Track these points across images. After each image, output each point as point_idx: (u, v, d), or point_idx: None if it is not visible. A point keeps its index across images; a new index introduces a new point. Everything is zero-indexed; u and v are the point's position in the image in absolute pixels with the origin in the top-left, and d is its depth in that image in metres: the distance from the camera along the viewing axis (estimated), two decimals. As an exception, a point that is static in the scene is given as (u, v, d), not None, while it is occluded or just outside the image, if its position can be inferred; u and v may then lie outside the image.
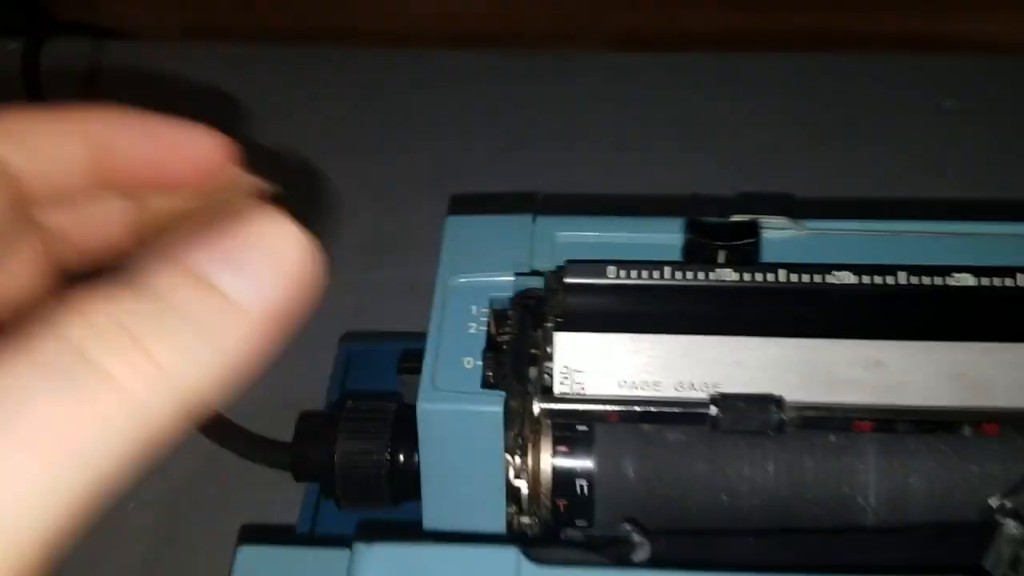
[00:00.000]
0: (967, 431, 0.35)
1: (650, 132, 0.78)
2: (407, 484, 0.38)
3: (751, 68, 0.84)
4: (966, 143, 0.75)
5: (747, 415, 0.36)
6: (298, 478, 0.40)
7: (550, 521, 0.37)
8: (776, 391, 0.36)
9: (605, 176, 0.75)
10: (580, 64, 0.86)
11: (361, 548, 0.31)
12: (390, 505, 0.38)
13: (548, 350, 0.39)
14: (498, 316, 0.40)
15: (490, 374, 0.37)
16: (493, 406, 0.35)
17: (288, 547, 0.35)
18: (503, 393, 0.36)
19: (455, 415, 0.35)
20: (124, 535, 0.54)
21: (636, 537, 0.34)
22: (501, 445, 0.36)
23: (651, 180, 0.74)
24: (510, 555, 0.31)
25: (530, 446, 0.37)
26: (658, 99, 0.81)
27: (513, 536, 0.36)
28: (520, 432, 0.37)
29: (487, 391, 0.36)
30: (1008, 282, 0.38)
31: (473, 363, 0.37)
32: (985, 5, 0.84)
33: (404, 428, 0.38)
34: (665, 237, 0.41)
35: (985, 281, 0.38)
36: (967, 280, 0.38)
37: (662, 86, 0.83)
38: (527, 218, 0.43)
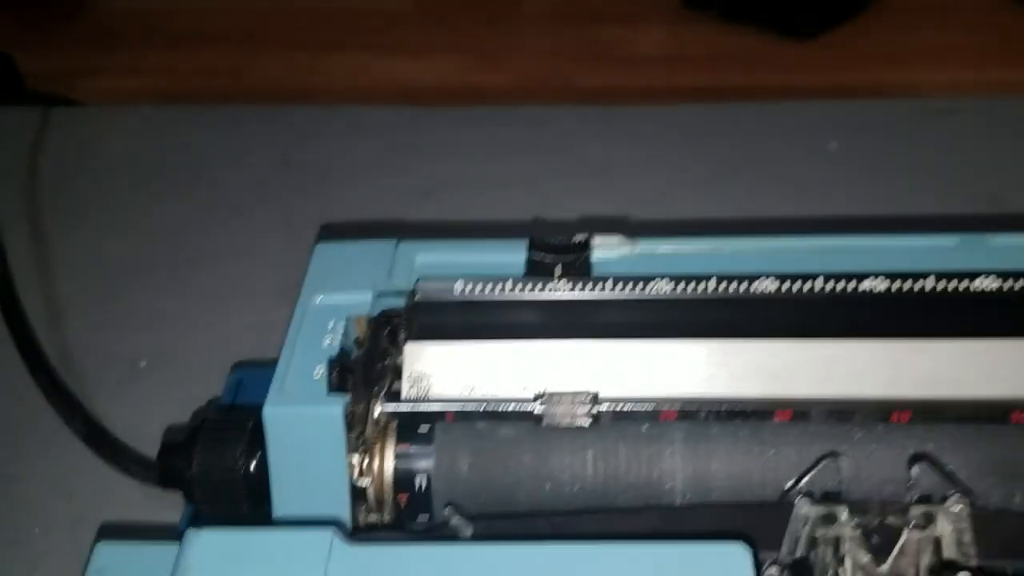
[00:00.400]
0: (766, 419, 0.39)
1: (548, 175, 0.83)
2: (264, 489, 0.41)
3: (649, 118, 0.90)
4: (849, 181, 0.80)
5: (566, 409, 0.39)
6: (164, 487, 0.43)
7: (394, 517, 0.41)
8: (594, 388, 0.40)
9: (494, 214, 0.80)
10: (488, 115, 0.92)
11: (190, 534, 0.34)
12: (250, 510, 0.41)
13: (400, 360, 0.43)
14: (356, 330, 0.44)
15: (334, 378, 0.40)
16: (333, 409, 0.39)
17: (143, 543, 0.38)
18: (346, 397, 0.39)
19: (298, 417, 0.39)
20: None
21: (455, 520, 0.37)
22: (343, 446, 0.39)
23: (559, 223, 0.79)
24: (326, 536, 0.33)
25: (376, 447, 0.41)
26: (560, 146, 0.87)
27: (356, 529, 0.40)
28: (363, 434, 0.40)
29: (331, 396, 0.39)
30: (807, 286, 0.42)
31: (322, 372, 0.41)
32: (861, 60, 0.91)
33: (263, 437, 0.42)
34: (512, 257, 0.45)
35: (786, 287, 0.42)
36: (771, 286, 0.42)
37: (567, 135, 0.89)
38: (391, 243, 0.47)
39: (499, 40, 1.04)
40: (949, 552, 0.37)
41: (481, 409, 0.40)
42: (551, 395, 0.40)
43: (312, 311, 0.43)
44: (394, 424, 0.41)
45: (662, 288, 0.42)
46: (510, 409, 0.40)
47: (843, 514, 0.36)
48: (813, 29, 1.08)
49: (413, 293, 0.44)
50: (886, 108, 0.89)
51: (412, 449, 0.40)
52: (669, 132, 0.88)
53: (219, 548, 0.34)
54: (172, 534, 0.39)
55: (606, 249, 0.45)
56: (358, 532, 0.39)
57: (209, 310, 0.74)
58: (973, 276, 0.41)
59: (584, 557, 0.33)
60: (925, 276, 0.41)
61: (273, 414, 0.39)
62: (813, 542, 0.37)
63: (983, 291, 0.41)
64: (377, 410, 0.40)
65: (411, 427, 0.41)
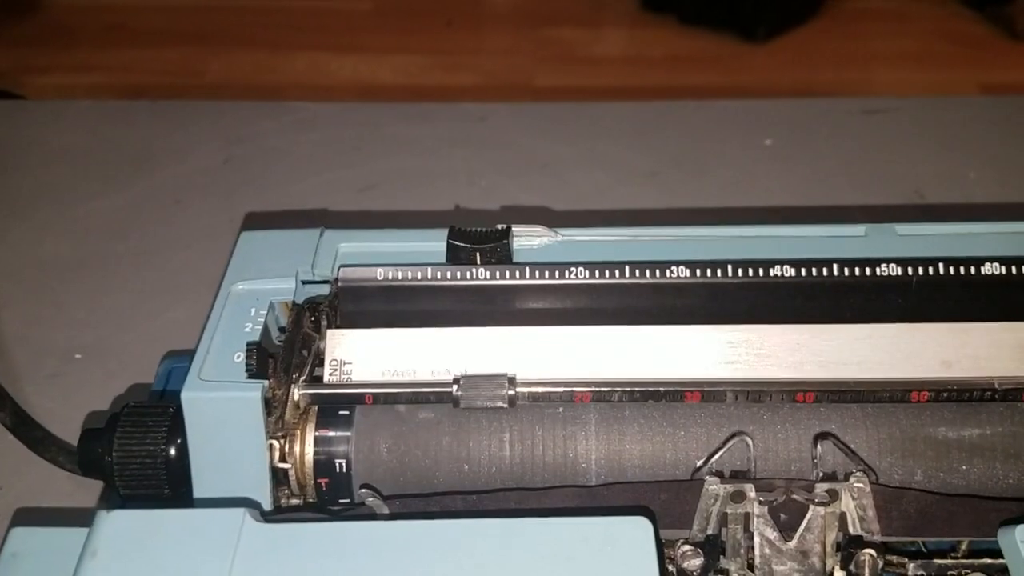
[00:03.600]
0: (677, 400, 0.40)
1: (491, 171, 0.84)
2: (185, 474, 0.41)
3: (593, 115, 0.91)
4: (782, 176, 0.82)
5: (483, 391, 0.40)
6: (85, 473, 0.43)
7: (316, 500, 0.41)
8: (511, 371, 0.41)
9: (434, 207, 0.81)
10: (435, 110, 0.92)
11: (101, 515, 0.34)
12: (172, 495, 0.41)
13: (322, 346, 0.44)
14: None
15: (253, 363, 0.40)
16: (251, 393, 0.39)
17: (58, 528, 0.37)
18: (264, 382, 0.40)
19: (216, 402, 0.39)
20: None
21: (371, 500, 0.38)
22: (263, 429, 0.40)
23: (489, 214, 0.80)
24: (237, 515, 0.34)
25: (296, 432, 0.41)
26: (505, 142, 0.87)
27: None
28: (282, 417, 0.40)
29: (248, 381, 0.40)
30: (719, 273, 0.43)
31: (243, 357, 0.41)
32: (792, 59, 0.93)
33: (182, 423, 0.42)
34: (434, 245, 0.46)
35: (699, 273, 0.43)
36: (684, 273, 0.43)
37: (514, 131, 0.90)
38: (315, 232, 0.47)
39: (459, 41, 1.05)
40: (854, 528, 0.38)
41: (400, 392, 0.41)
42: (469, 378, 0.41)
43: (234, 298, 0.44)
44: (315, 409, 0.42)
45: (579, 275, 0.44)
46: (428, 391, 0.41)
47: (751, 491, 0.38)
48: (766, 32, 1.12)
49: (336, 280, 0.45)
50: (821, 106, 0.91)
51: (332, 433, 0.41)
52: (612, 129, 0.89)
53: (129, 527, 0.34)
54: (89, 519, 0.39)
55: (526, 238, 0.46)
56: (275, 512, 0.39)
57: (147, 303, 0.74)
58: (877, 263, 0.43)
59: (491, 530, 0.34)
60: (831, 263, 0.43)
61: (191, 399, 0.39)
62: (724, 519, 0.38)
63: (887, 277, 0.43)
64: (297, 394, 0.41)
65: (331, 412, 0.41)
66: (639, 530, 0.34)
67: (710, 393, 0.40)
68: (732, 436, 0.39)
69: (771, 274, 0.42)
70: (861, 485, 0.38)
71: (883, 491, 0.38)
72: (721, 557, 0.38)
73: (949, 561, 0.39)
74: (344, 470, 0.40)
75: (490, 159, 0.85)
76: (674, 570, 0.38)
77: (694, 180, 0.81)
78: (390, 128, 0.91)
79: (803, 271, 0.42)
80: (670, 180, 0.81)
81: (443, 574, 0.32)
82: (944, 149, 0.82)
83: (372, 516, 0.38)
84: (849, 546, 0.38)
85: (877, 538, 0.38)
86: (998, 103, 0.91)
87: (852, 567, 0.38)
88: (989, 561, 0.39)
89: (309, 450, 0.41)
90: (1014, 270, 0.42)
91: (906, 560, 0.40)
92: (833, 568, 0.38)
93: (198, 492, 0.40)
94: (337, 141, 0.90)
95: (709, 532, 0.38)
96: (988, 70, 0.99)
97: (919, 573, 0.39)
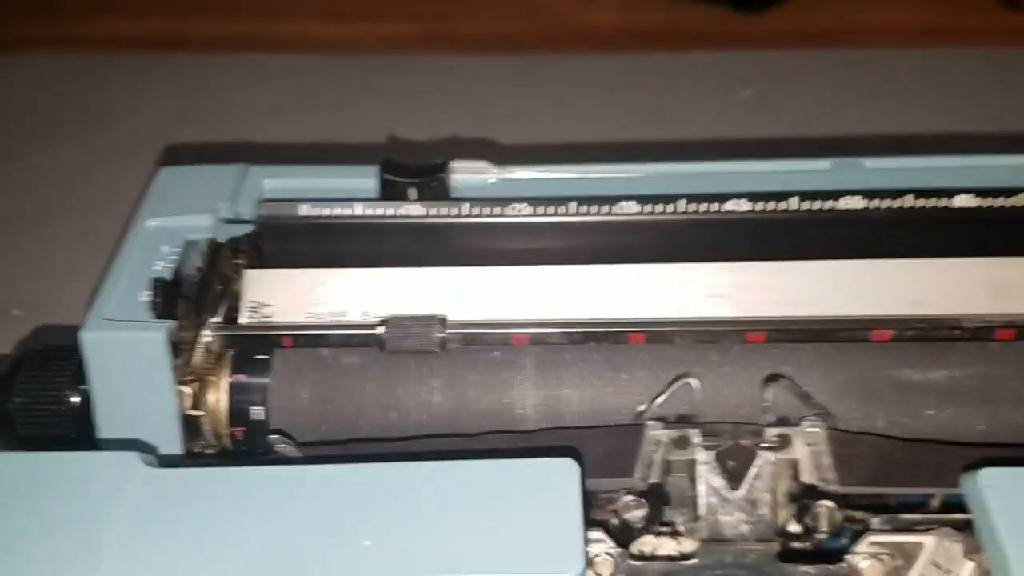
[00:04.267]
0: (619, 342, 0.37)
1: (453, 124, 0.80)
2: (92, 422, 0.38)
3: (563, 69, 0.87)
4: (760, 128, 0.78)
5: (411, 334, 0.37)
6: None
7: (231, 450, 0.38)
8: (445, 313, 0.38)
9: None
10: (396, 63, 0.88)
11: (-23, 458, 0.31)
12: (76, 443, 0.39)
13: (240, 287, 0.40)
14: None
15: (159, 302, 0.37)
16: (155, 333, 0.36)
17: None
18: (170, 322, 0.37)
19: (117, 343, 0.36)
20: None
21: (280, 447, 0.35)
22: (169, 373, 0.36)
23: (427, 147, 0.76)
24: (129, 459, 0.31)
25: (209, 377, 0.38)
26: (470, 95, 0.84)
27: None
28: (189, 361, 0.37)
29: (154, 321, 0.37)
30: (669, 208, 0.40)
31: (146, 298, 0.38)
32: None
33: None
34: (367, 182, 0.43)
35: (648, 208, 0.40)
36: (631, 208, 0.40)
37: (474, 85, 0.86)
38: (240, 167, 0.44)
39: (448, 8, 1.01)
40: (808, 477, 0.35)
41: (320, 333, 0.38)
42: (396, 319, 0.37)
43: (146, 235, 0.41)
44: (230, 353, 0.38)
45: (521, 212, 0.40)
46: (352, 333, 0.38)
47: (696, 437, 0.35)
48: (761, 1, 1.08)
49: (257, 217, 0.42)
50: (800, 58, 0.87)
51: (248, 379, 0.38)
52: (583, 82, 0.85)
53: (10, 471, 0.31)
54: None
55: (465, 173, 0.43)
56: (176, 458, 0.36)
57: (96, 259, 0.70)
58: (838, 196, 0.40)
59: (407, 475, 0.31)
60: (788, 196, 0.40)
61: (91, 339, 0.36)
62: (668, 467, 0.35)
63: (849, 211, 0.40)
64: (208, 336, 0.38)
65: (248, 356, 0.38)
66: (563, 471, 0.31)
67: (655, 334, 0.37)
68: (677, 379, 0.36)
69: (724, 209, 0.39)
70: (815, 430, 0.35)
71: (840, 437, 0.35)
72: (666, 508, 0.35)
73: (917, 516, 0.36)
74: (261, 418, 0.37)
75: (454, 111, 0.82)
76: (616, 521, 0.35)
77: (667, 133, 0.78)
78: (349, 81, 0.87)
79: (759, 205, 0.39)
80: (643, 132, 0.78)
81: (351, 523, 0.30)
82: (926, 99, 0.78)
83: (274, 460, 0.35)
84: (804, 496, 0.35)
85: (835, 488, 0.35)
86: (985, 55, 0.86)
87: (808, 520, 0.35)
88: (961, 516, 0.35)
89: (224, 397, 0.38)
90: (986, 202, 0.39)
91: (869, 515, 0.37)
92: (787, 521, 0.36)
93: (103, 439, 0.37)
94: (294, 94, 0.85)
95: (652, 481, 0.35)
96: (985, 38, 0.96)
97: (883, 527, 0.36)
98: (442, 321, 0.38)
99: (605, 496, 0.35)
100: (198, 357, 0.37)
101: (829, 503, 0.35)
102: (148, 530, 0.29)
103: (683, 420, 0.36)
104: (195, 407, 0.37)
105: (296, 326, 0.38)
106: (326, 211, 0.41)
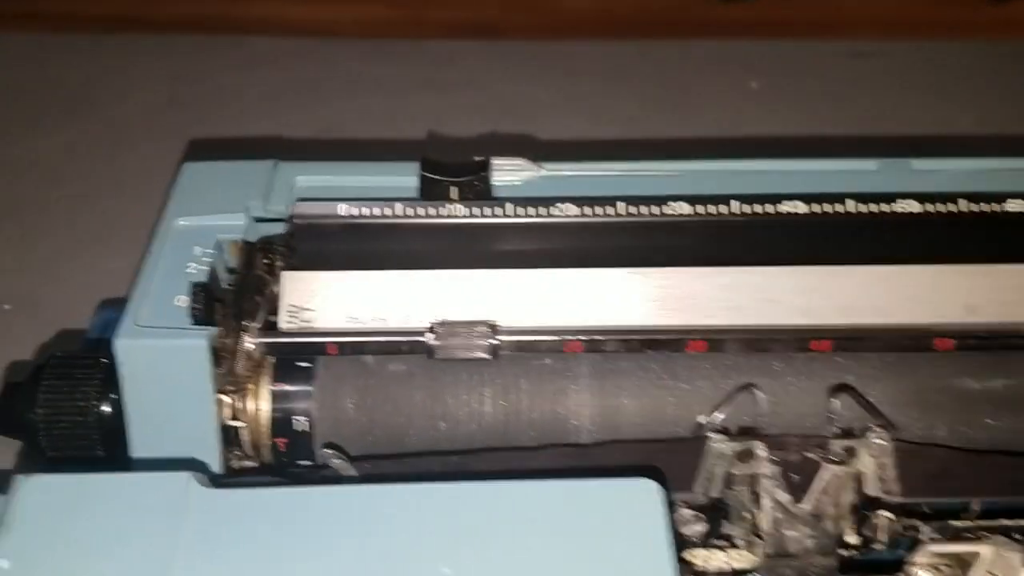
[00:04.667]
0: (679, 350, 0.36)
1: (456, 113, 0.78)
2: (121, 434, 0.36)
3: (567, 57, 0.85)
4: (768, 122, 0.77)
5: (462, 340, 0.36)
6: (5, 432, 0.37)
7: (273, 462, 0.37)
8: (493, 318, 0.37)
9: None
10: (405, 50, 0.86)
11: (19, 481, 0.29)
12: (105, 458, 0.36)
13: (277, 290, 0.38)
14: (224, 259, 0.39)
15: (198, 308, 0.35)
16: (196, 340, 0.34)
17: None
18: (212, 329, 0.35)
19: (155, 351, 0.34)
20: None
21: (335, 461, 0.33)
22: (210, 383, 0.35)
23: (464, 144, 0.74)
24: (181, 479, 0.29)
25: (250, 386, 0.36)
26: (471, 84, 0.82)
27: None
28: (232, 370, 0.36)
29: (194, 327, 0.35)
30: (722, 209, 0.39)
31: (187, 301, 0.36)
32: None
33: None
34: (404, 179, 0.41)
35: (700, 210, 0.39)
36: (684, 209, 0.39)
37: (481, 72, 0.84)
38: (269, 163, 0.42)
39: None
40: (871, 488, 0.35)
41: (368, 340, 0.36)
42: (446, 325, 0.36)
43: (176, 234, 0.38)
44: (271, 360, 0.37)
45: (567, 212, 0.39)
46: (400, 340, 0.36)
47: (760, 450, 0.34)
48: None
49: (291, 217, 0.40)
50: (806, 49, 0.86)
51: (291, 387, 0.36)
52: (588, 71, 0.84)
53: (54, 495, 0.29)
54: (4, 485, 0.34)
55: (507, 171, 0.41)
56: (226, 477, 0.35)
57: (85, 250, 0.68)
58: (893, 199, 0.39)
59: (476, 495, 0.29)
60: (844, 199, 0.39)
61: (127, 347, 0.34)
62: (729, 480, 0.34)
63: (904, 214, 0.39)
64: (250, 344, 0.36)
65: (290, 363, 0.36)
66: (645, 493, 0.30)
67: (715, 342, 0.36)
68: (740, 389, 0.35)
69: (779, 211, 0.38)
70: (881, 442, 0.34)
71: (904, 448, 0.35)
72: (724, 522, 0.34)
73: (967, 523, 0.36)
74: (305, 429, 0.36)
75: (458, 102, 0.79)
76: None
77: (677, 125, 0.76)
78: (349, 67, 0.84)
79: (814, 207, 0.38)
80: (651, 125, 0.77)
81: (425, 548, 0.28)
82: (934, 94, 0.78)
83: (337, 480, 0.33)
84: (865, 508, 0.35)
85: (896, 499, 0.35)
86: (988, 48, 0.86)
87: (867, 531, 0.34)
88: (1007, 522, 0.35)
89: (265, 406, 0.36)
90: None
91: (917, 522, 0.36)
92: (846, 532, 0.35)
93: (137, 454, 0.35)
94: (292, 79, 0.83)
95: (713, 494, 0.35)
96: (968, 31, 0.97)
97: (934, 536, 0.35)
98: (493, 327, 0.36)
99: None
100: (239, 365, 0.36)
101: (888, 514, 0.35)
102: (212, 557, 0.27)
103: (746, 432, 0.35)
104: (234, 417, 0.36)
105: (342, 332, 0.36)
106: (365, 211, 0.39)
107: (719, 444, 0.34)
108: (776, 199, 0.38)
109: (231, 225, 0.39)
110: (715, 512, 0.35)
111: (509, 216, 0.39)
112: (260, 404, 0.36)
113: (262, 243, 0.40)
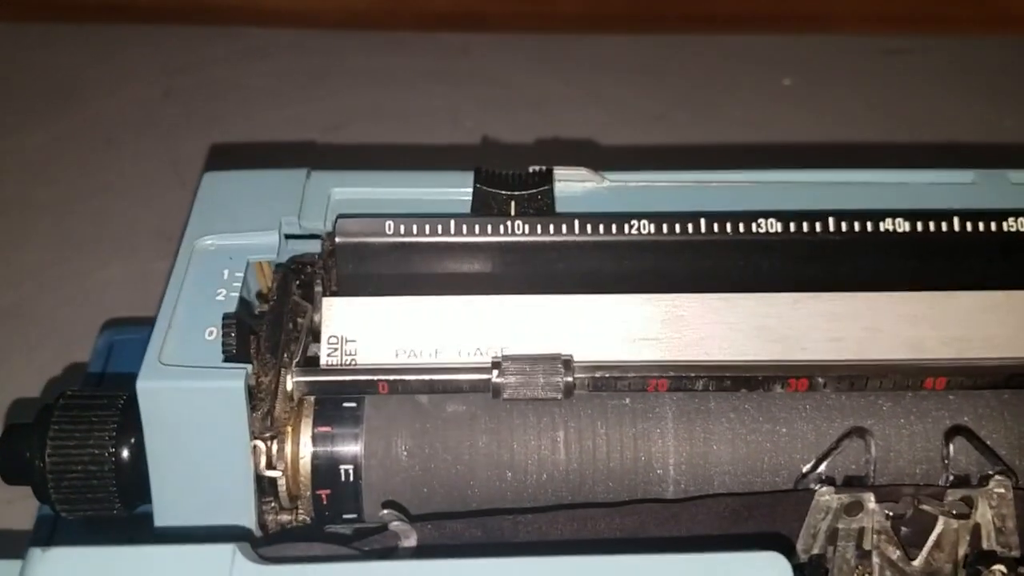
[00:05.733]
0: (775, 389, 0.32)
1: (473, 108, 0.73)
2: (140, 482, 0.32)
3: (586, 49, 0.81)
4: (802, 119, 0.73)
5: (532, 378, 0.31)
6: (9, 481, 0.33)
7: (313, 516, 0.32)
8: (565, 351, 0.32)
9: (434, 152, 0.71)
10: (410, 43, 0.82)
11: (35, 554, 0.25)
12: (121, 509, 0.32)
13: (316, 318, 0.34)
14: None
15: (231, 344, 0.31)
16: (231, 381, 0.30)
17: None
18: (247, 366, 0.31)
19: (185, 394, 0.30)
20: None
21: (395, 524, 0.29)
22: (246, 428, 0.30)
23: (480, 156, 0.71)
24: (224, 553, 0.25)
25: (288, 429, 0.32)
26: (496, 78, 0.77)
27: (267, 536, 0.31)
28: (271, 412, 0.31)
29: (226, 365, 0.30)
30: (819, 227, 0.35)
31: (217, 334, 0.31)
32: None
33: (137, 418, 0.32)
34: (454, 191, 0.37)
35: (793, 228, 0.35)
36: (775, 227, 0.35)
37: (502, 65, 0.79)
38: (299, 172, 0.38)
39: None
40: (988, 542, 0.31)
41: (423, 379, 0.32)
42: (512, 360, 0.32)
43: (201, 256, 0.34)
44: (311, 400, 0.32)
45: (643, 229, 0.35)
46: (460, 378, 0.32)
47: (871, 502, 0.30)
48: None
49: (332, 235, 0.35)
50: (840, 45, 0.81)
51: (335, 430, 0.32)
52: (611, 64, 0.79)
53: (76, 570, 0.25)
54: (19, 549, 0.30)
55: (568, 183, 0.37)
56: (267, 540, 0.30)
57: (77, 259, 0.63)
58: (1003, 216, 0.35)
59: (587, 571, 0.25)
60: (950, 215, 0.35)
61: (151, 390, 0.30)
62: (833, 536, 0.30)
63: (1015, 233, 0.35)
64: (289, 382, 0.32)
65: (334, 403, 0.32)
66: (775, 569, 0.26)
67: (815, 381, 0.32)
68: (847, 433, 0.31)
69: (881, 228, 0.34)
70: (1002, 491, 0.31)
71: None
72: None
73: None
74: (351, 479, 0.31)
75: (475, 96, 0.75)
76: None
77: (707, 123, 0.72)
78: (356, 59, 0.79)
79: (919, 225, 0.34)
80: (679, 122, 0.72)
81: None
82: (972, 92, 0.74)
83: (397, 548, 0.29)
84: (978, 562, 0.31)
85: (1015, 552, 0.31)
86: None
87: (979, 586, 0.31)
88: None
89: (306, 453, 0.31)
90: None
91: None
92: (960, 588, 0.32)
93: (159, 510, 0.31)
94: (295, 72, 0.78)
95: (815, 551, 0.31)
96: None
97: None
98: (566, 363, 0.32)
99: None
100: (276, 406, 0.31)
101: (1003, 568, 0.31)
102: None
103: (853, 482, 0.31)
104: (270, 465, 0.31)
105: (393, 368, 0.32)
106: (415, 228, 0.34)
107: (826, 497, 0.30)
108: (878, 215, 0.34)
109: (263, 244, 0.34)
110: (814, 570, 0.31)
111: (576, 234, 0.35)
112: (300, 450, 0.32)
113: (296, 264, 0.35)
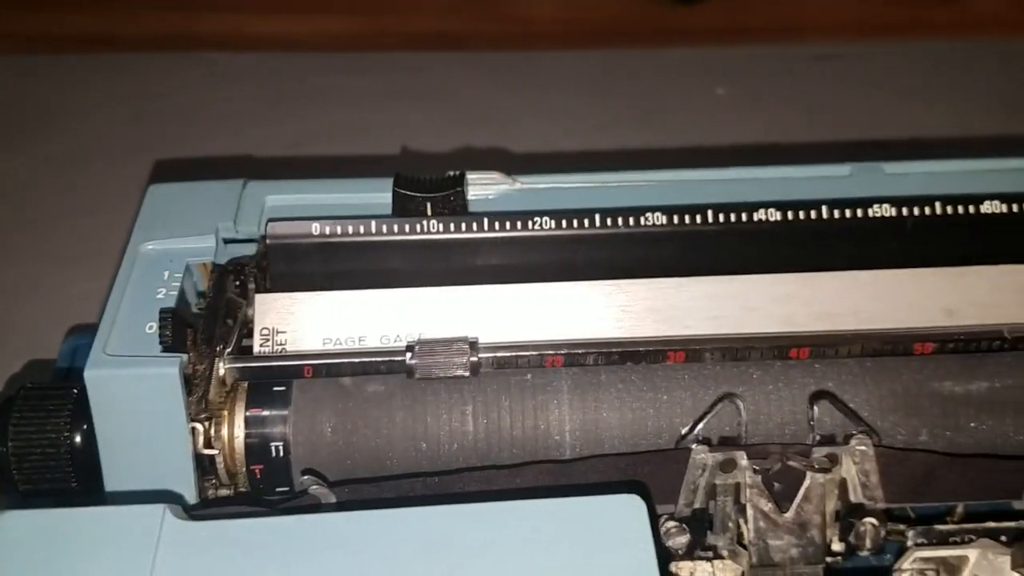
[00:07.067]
0: (659, 361, 0.36)
1: (425, 124, 0.77)
2: (94, 465, 0.35)
3: (534, 66, 0.84)
4: (738, 126, 0.77)
5: (442, 359, 0.35)
6: None
7: (250, 490, 0.36)
8: (472, 334, 0.36)
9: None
10: (371, 63, 0.86)
11: (-8, 516, 0.28)
12: (79, 490, 0.35)
13: (250, 312, 0.38)
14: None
15: (168, 334, 0.34)
16: (167, 368, 0.33)
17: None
18: (182, 355, 0.34)
19: (126, 380, 0.33)
20: None
21: (315, 488, 0.33)
22: (183, 411, 0.34)
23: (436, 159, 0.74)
24: (156, 511, 0.29)
25: (223, 412, 0.35)
26: (439, 94, 0.81)
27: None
28: (205, 396, 0.35)
29: (164, 355, 0.34)
30: (698, 219, 0.38)
31: (155, 328, 0.35)
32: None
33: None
34: (377, 196, 0.40)
35: (677, 220, 0.38)
36: (659, 219, 0.39)
37: (450, 83, 0.83)
38: (236, 183, 0.41)
39: (388, 3, 0.98)
40: (855, 495, 0.35)
41: (344, 362, 0.35)
42: (424, 343, 0.35)
43: (143, 259, 0.38)
44: (244, 385, 0.36)
45: (544, 226, 0.38)
46: (378, 360, 0.35)
47: (743, 459, 0.33)
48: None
49: (263, 237, 0.39)
50: (771, 54, 0.86)
51: (266, 412, 0.35)
52: (555, 79, 0.83)
53: (31, 530, 0.29)
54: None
55: (481, 186, 0.41)
56: (201, 507, 0.34)
57: (50, 274, 0.66)
58: (868, 204, 0.39)
59: (463, 518, 0.29)
60: (818, 205, 0.39)
61: (97, 377, 0.33)
62: (712, 491, 0.34)
63: (879, 219, 0.39)
64: (222, 369, 0.35)
65: (265, 388, 0.36)
66: (631, 508, 0.29)
67: (695, 352, 0.36)
68: (720, 399, 0.35)
69: (754, 219, 0.38)
70: (864, 448, 0.34)
71: (886, 453, 0.35)
72: (708, 533, 0.34)
73: (952, 527, 0.35)
74: (281, 454, 0.35)
75: (424, 111, 0.79)
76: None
77: (646, 133, 0.76)
78: (316, 81, 0.83)
79: (789, 215, 0.38)
80: (622, 133, 0.76)
81: (391, 570, 0.28)
82: (903, 97, 0.78)
83: (316, 507, 0.32)
84: (849, 515, 0.34)
85: (880, 505, 0.34)
86: (952, 47, 0.86)
87: (852, 538, 0.34)
88: (994, 525, 0.35)
89: (239, 433, 0.35)
90: (1015, 208, 0.38)
91: (903, 527, 0.36)
92: (831, 539, 0.34)
93: (110, 485, 0.34)
94: (257, 95, 0.82)
95: (697, 506, 0.34)
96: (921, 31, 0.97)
97: (919, 541, 0.35)
98: (472, 344, 0.36)
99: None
100: (212, 391, 0.35)
101: (873, 520, 0.34)
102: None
103: (728, 442, 0.35)
104: (208, 445, 0.35)
105: (317, 354, 0.36)
106: (339, 229, 0.38)
107: (701, 455, 0.34)
108: (751, 207, 0.38)
109: (200, 248, 0.38)
110: (699, 523, 0.34)
111: (486, 231, 0.38)
112: (235, 431, 0.35)
113: (233, 265, 0.39)
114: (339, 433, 0.35)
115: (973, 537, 0.34)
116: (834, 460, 0.34)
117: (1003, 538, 0.33)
